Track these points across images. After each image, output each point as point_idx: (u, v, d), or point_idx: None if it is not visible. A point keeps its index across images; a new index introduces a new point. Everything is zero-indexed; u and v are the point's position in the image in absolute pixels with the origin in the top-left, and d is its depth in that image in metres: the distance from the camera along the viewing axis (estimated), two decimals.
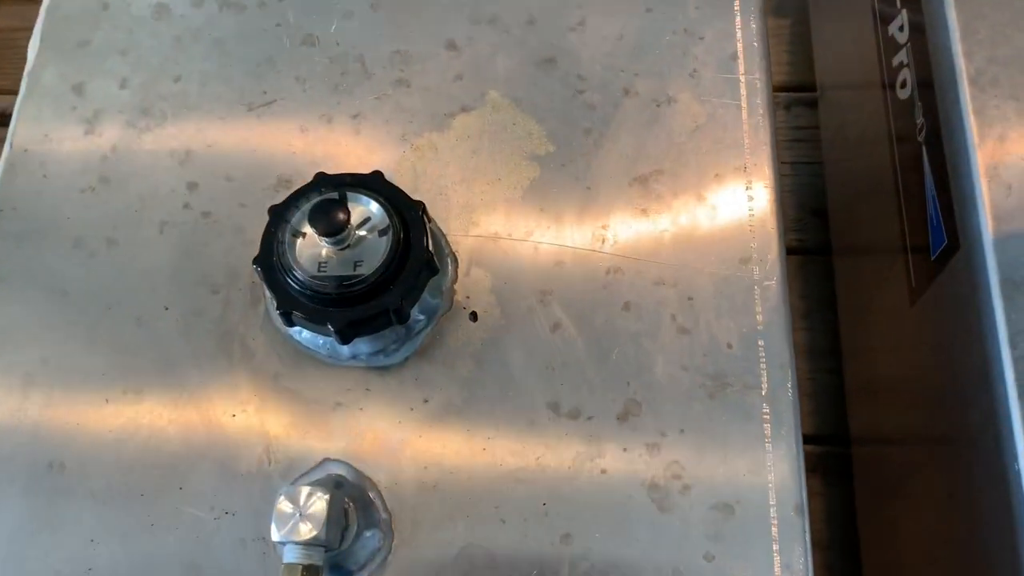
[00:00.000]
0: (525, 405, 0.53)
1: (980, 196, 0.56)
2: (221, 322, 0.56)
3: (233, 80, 0.63)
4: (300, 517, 0.46)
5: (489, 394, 0.54)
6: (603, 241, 0.57)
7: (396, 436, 0.53)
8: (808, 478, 0.52)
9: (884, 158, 0.73)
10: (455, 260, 0.57)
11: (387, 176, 0.52)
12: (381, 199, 0.51)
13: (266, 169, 0.60)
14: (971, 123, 0.58)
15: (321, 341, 0.55)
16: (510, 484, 0.52)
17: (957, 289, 0.59)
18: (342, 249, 0.50)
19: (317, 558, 0.46)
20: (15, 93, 0.64)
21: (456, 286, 0.56)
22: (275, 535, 0.46)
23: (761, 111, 0.59)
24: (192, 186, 0.60)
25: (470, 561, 0.50)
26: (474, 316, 0.55)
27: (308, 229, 0.50)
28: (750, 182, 0.58)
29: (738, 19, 0.62)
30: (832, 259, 0.97)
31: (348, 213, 0.49)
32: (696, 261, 0.56)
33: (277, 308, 0.50)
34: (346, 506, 0.49)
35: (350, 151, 0.60)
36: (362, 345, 0.54)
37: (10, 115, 0.63)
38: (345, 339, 0.51)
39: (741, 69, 0.60)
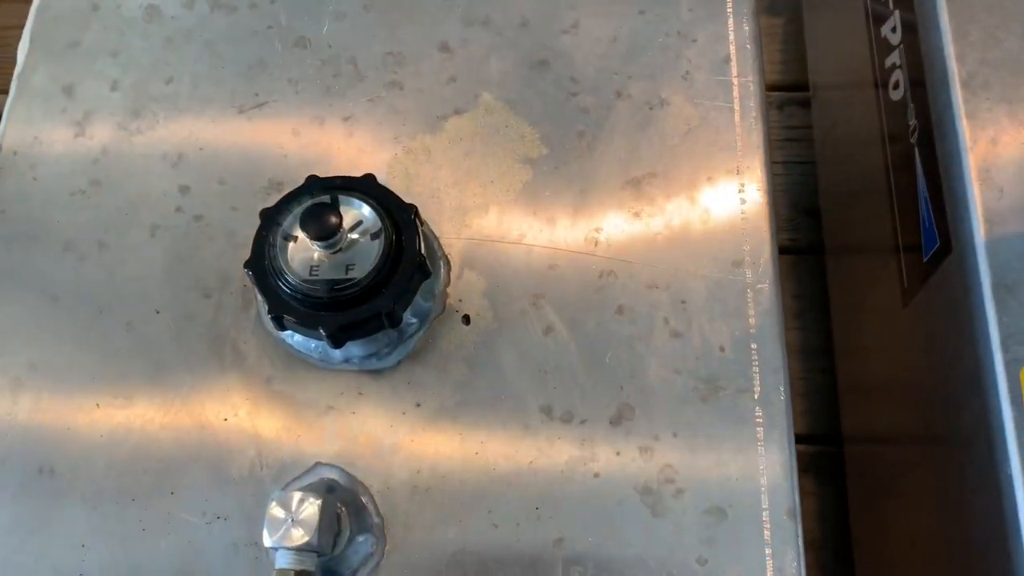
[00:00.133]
0: (518, 409, 0.53)
1: (972, 199, 0.56)
2: (213, 326, 0.56)
3: (224, 82, 0.62)
4: (292, 522, 0.46)
5: (482, 397, 0.54)
6: (596, 244, 0.57)
7: (389, 440, 0.53)
8: (801, 478, 0.52)
9: (877, 159, 0.73)
10: (448, 263, 0.56)
11: (379, 179, 0.52)
12: (373, 202, 0.51)
13: (258, 172, 0.60)
14: (963, 126, 0.58)
15: (313, 345, 0.54)
16: (503, 488, 0.52)
17: (949, 292, 0.59)
18: (334, 253, 0.49)
19: (309, 563, 0.46)
20: (6, 93, 0.64)
21: (449, 289, 0.56)
22: (267, 540, 0.46)
23: (754, 114, 0.59)
24: (184, 189, 0.60)
25: (463, 565, 0.50)
26: (467, 319, 0.55)
27: (300, 233, 0.49)
28: (743, 185, 0.58)
29: (731, 21, 0.62)
30: (825, 258, 0.97)
31: (340, 217, 0.49)
32: (689, 264, 0.56)
33: (269, 312, 0.50)
34: (338, 511, 0.49)
35: (342, 153, 0.60)
36: (354, 349, 0.53)
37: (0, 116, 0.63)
38: (337, 343, 0.51)
39: (734, 72, 0.60)
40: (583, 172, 0.59)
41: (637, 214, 0.57)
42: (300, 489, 0.48)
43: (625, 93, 0.60)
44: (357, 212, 0.50)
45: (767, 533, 0.50)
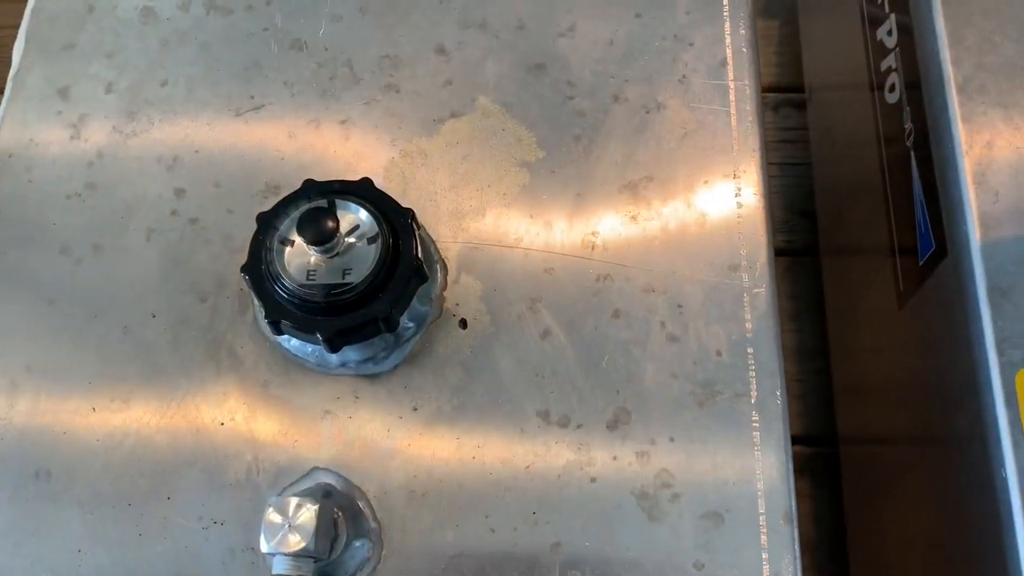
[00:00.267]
0: (515, 413, 0.53)
1: (968, 203, 0.57)
2: (209, 330, 0.56)
3: (220, 85, 0.62)
4: (289, 528, 0.46)
5: (479, 402, 0.54)
6: (593, 248, 0.57)
7: (385, 444, 0.53)
8: (797, 479, 0.52)
9: (872, 161, 0.73)
10: (444, 267, 0.56)
11: (376, 182, 0.52)
12: (370, 206, 0.50)
13: (254, 175, 0.60)
14: (959, 129, 0.58)
15: (310, 349, 0.54)
16: (500, 492, 0.52)
17: (945, 295, 0.59)
18: (331, 257, 0.49)
19: (306, 569, 0.46)
20: (0, 94, 0.64)
21: (445, 293, 0.56)
22: (264, 546, 0.46)
23: (750, 118, 0.59)
24: (179, 192, 0.59)
25: (460, 570, 0.50)
26: (464, 323, 0.55)
27: (297, 237, 0.49)
28: (739, 189, 0.58)
29: (727, 25, 0.62)
30: (820, 260, 0.97)
31: (337, 221, 0.49)
32: (685, 268, 0.56)
33: (265, 317, 0.50)
34: (335, 516, 0.49)
35: (339, 157, 0.60)
36: (351, 353, 0.53)
37: None
38: (334, 347, 0.51)
39: (730, 75, 0.60)
40: (580, 176, 0.59)
41: (634, 218, 0.57)
42: (297, 494, 0.47)
43: (622, 97, 0.60)
44: (354, 216, 0.50)
45: (764, 537, 0.50)
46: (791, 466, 0.52)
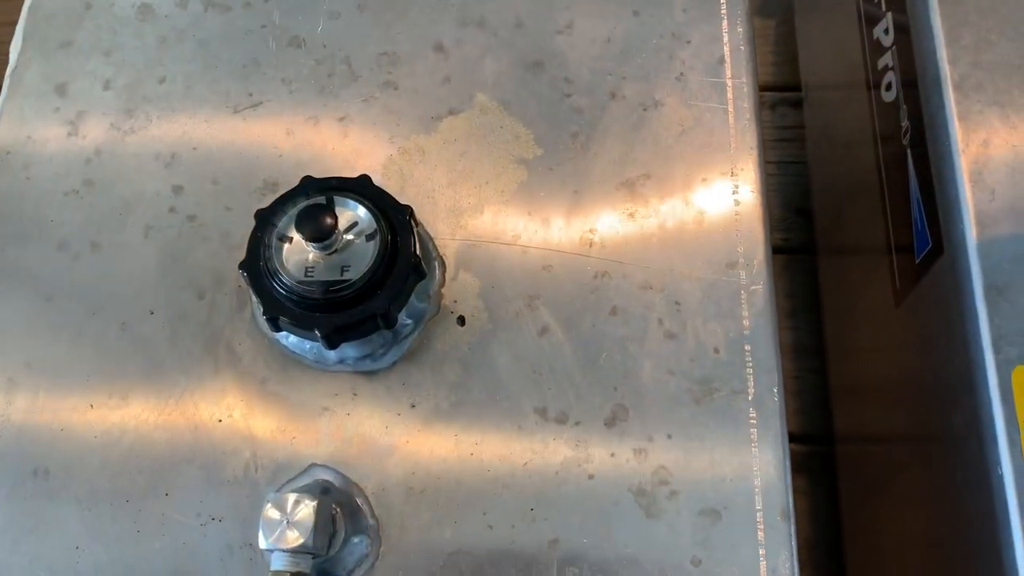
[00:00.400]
0: (513, 410, 0.53)
1: (964, 201, 0.57)
2: (207, 327, 0.56)
3: (218, 82, 0.62)
4: (287, 524, 0.46)
5: (477, 399, 0.54)
6: (590, 245, 0.57)
7: (383, 441, 0.53)
8: (793, 477, 0.52)
9: (869, 160, 0.73)
10: (443, 264, 0.56)
11: (374, 180, 0.52)
12: (368, 203, 0.51)
13: (252, 172, 0.60)
14: (955, 128, 0.58)
15: (308, 346, 0.54)
16: (498, 489, 0.52)
17: (941, 293, 0.59)
18: (329, 254, 0.49)
19: (305, 565, 0.46)
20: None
21: (443, 290, 0.56)
22: (262, 542, 0.46)
23: (748, 115, 0.59)
24: (177, 189, 0.59)
25: (458, 566, 0.51)
26: (461, 320, 0.55)
27: (295, 234, 0.49)
28: (737, 186, 0.58)
29: (725, 23, 0.62)
30: (817, 258, 0.98)
31: (335, 218, 0.49)
32: (683, 265, 0.56)
33: (264, 313, 0.50)
34: (333, 512, 0.49)
35: (337, 154, 0.60)
36: (349, 350, 0.53)
37: None
38: (332, 344, 0.51)
39: (728, 73, 0.60)
40: (577, 173, 0.59)
41: (631, 215, 0.57)
42: (295, 491, 0.48)
43: (619, 94, 0.60)
44: (352, 213, 0.50)
45: (761, 534, 0.50)
46: (788, 463, 0.52)
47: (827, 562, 0.88)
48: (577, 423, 0.53)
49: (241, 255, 0.51)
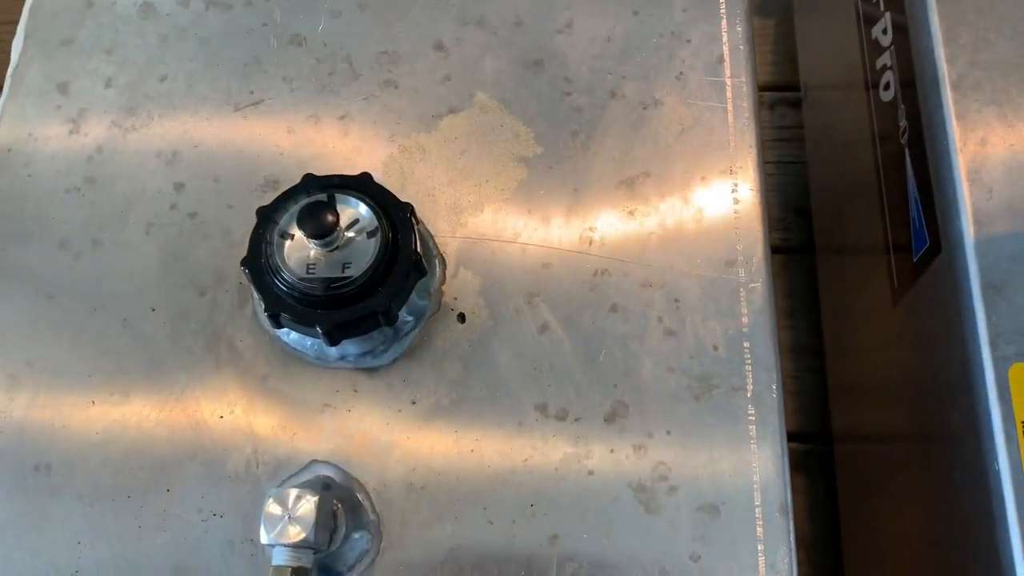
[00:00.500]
0: (513, 406, 0.54)
1: (962, 199, 0.57)
2: (208, 324, 0.56)
3: (220, 80, 0.63)
4: (288, 519, 0.46)
5: (477, 395, 0.54)
6: (590, 243, 0.57)
7: (384, 438, 0.53)
8: (792, 476, 0.52)
9: (867, 159, 0.73)
10: (443, 262, 0.57)
11: (375, 177, 0.52)
12: (369, 201, 0.51)
13: (253, 170, 0.60)
14: (953, 127, 0.58)
15: (309, 343, 0.55)
16: (498, 485, 0.52)
17: (939, 291, 0.59)
18: (330, 251, 0.50)
19: (306, 560, 0.46)
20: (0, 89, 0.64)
21: (444, 288, 0.56)
22: (264, 538, 0.46)
23: (747, 114, 0.60)
24: (179, 187, 0.60)
25: (458, 562, 0.51)
26: (462, 317, 0.56)
27: (296, 231, 0.50)
28: (736, 185, 0.58)
29: (724, 22, 0.62)
30: (815, 258, 0.98)
31: (336, 215, 0.49)
32: (682, 263, 0.56)
33: (265, 310, 0.50)
34: (334, 508, 0.49)
35: (338, 152, 0.60)
36: (350, 347, 0.54)
37: None
38: (333, 341, 0.51)
39: (727, 72, 0.61)
40: (577, 171, 0.59)
41: (631, 213, 0.58)
42: (296, 486, 0.48)
43: (619, 93, 0.61)
44: (353, 211, 0.50)
45: (759, 530, 0.50)
46: (787, 459, 0.52)
47: (826, 560, 0.89)
48: (577, 420, 0.53)
49: (242, 252, 0.51)
